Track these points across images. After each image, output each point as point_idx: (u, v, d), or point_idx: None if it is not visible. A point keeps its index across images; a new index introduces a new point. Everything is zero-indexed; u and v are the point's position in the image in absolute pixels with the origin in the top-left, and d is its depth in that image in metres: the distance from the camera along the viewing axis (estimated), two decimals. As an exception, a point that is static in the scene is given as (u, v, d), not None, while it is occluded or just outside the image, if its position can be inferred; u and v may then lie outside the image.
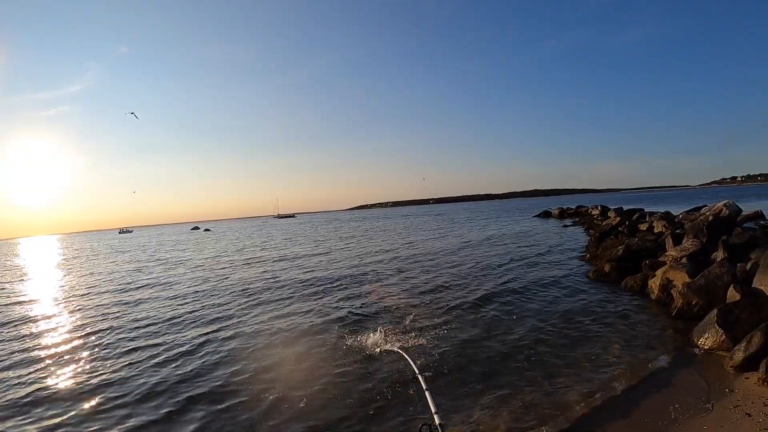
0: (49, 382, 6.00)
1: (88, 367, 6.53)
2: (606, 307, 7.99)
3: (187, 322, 8.93)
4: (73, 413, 4.98)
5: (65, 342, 8.02)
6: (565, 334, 6.67)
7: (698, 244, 9.11)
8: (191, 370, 6.06)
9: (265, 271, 15.81)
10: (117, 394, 5.40)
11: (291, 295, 10.99)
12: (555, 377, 5.14)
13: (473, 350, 6.17)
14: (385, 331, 6.94)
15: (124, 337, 8.02)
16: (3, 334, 8.97)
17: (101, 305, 11.36)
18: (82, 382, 5.90)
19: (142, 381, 5.80)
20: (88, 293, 13.65)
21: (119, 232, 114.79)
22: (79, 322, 9.54)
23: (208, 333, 7.91)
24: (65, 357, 7.13)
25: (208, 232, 67.81)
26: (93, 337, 8.17)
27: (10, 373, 6.43)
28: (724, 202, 12.16)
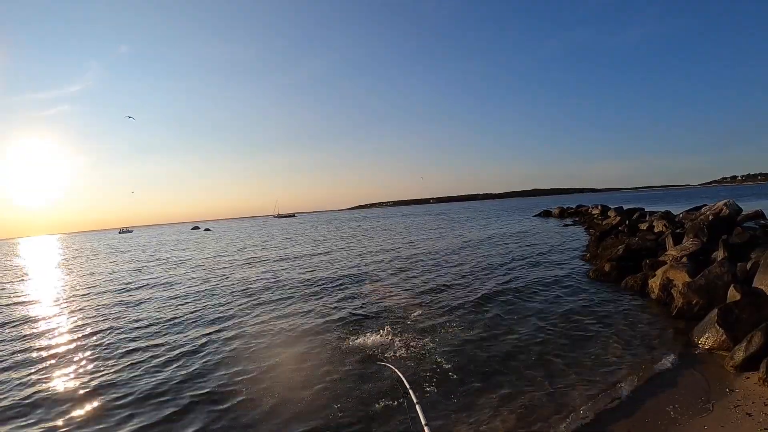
0: (51, 383, 6.01)
1: (89, 367, 6.54)
2: (606, 306, 7.99)
3: (188, 322, 8.93)
4: (74, 414, 4.99)
5: (66, 342, 8.03)
6: (566, 334, 6.68)
7: (698, 243, 9.11)
8: (193, 371, 6.07)
9: (265, 271, 15.82)
10: (119, 395, 5.41)
11: (292, 295, 11.00)
12: (556, 377, 5.16)
13: (475, 350, 6.18)
14: (386, 332, 6.95)
15: (125, 338, 8.03)
16: (4, 334, 8.98)
17: (102, 305, 11.37)
18: (84, 383, 5.91)
19: (144, 382, 5.80)
20: (89, 293, 13.66)
21: (119, 232, 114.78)
22: (80, 323, 9.55)
23: (209, 333, 7.92)
24: (66, 358, 7.13)
25: (209, 232, 67.83)
26: (94, 338, 8.18)
27: (12, 374, 6.44)
28: (725, 201, 12.15)
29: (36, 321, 10.08)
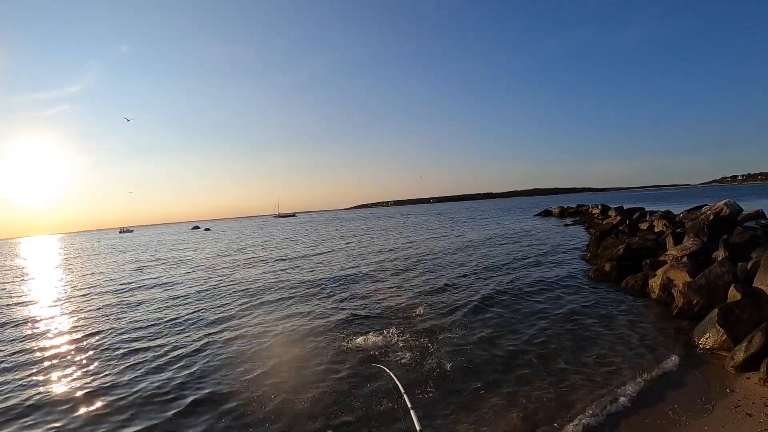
0: (52, 384, 6.03)
1: (91, 368, 6.55)
2: (607, 306, 8.00)
3: (189, 322, 8.94)
4: (76, 416, 4.99)
5: (68, 343, 8.04)
6: (567, 334, 6.69)
7: (699, 243, 9.11)
8: (194, 372, 6.08)
9: (266, 271, 15.83)
10: (121, 396, 5.42)
11: (292, 295, 11.01)
12: (557, 377, 5.16)
13: (476, 351, 6.19)
14: (387, 333, 6.95)
15: (126, 338, 8.04)
16: (4, 335, 8.99)
17: (103, 306, 11.38)
18: (86, 384, 5.92)
19: (146, 383, 5.81)
20: (90, 293, 13.67)
21: (119, 232, 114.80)
22: (81, 323, 9.56)
23: (210, 334, 7.92)
24: (68, 358, 7.15)
25: (209, 232, 67.86)
26: (95, 338, 8.19)
27: (12, 376, 6.44)
28: (725, 201, 12.15)
29: (37, 321, 10.09)
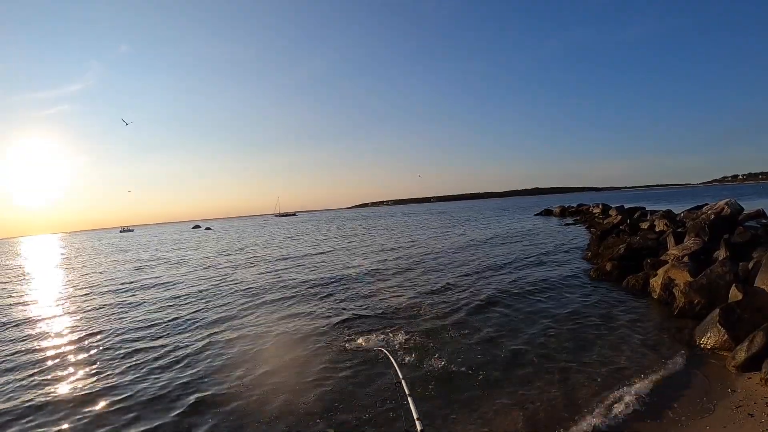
0: (53, 384, 6.03)
1: (93, 369, 6.55)
2: (608, 306, 8.00)
3: (190, 322, 8.95)
4: (79, 417, 5.00)
5: (69, 343, 8.06)
6: (568, 334, 6.69)
7: (700, 242, 9.09)
8: (196, 373, 6.08)
9: (267, 271, 15.84)
10: (122, 398, 5.42)
11: (294, 295, 11.01)
12: (559, 378, 5.16)
13: (478, 351, 6.19)
14: (389, 333, 6.96)
15: (128, 338, 8.05)
16: (5, 335, 9.01)
17: (104, 306, 11.39)
18: (87, 385, 5.93)
19: (148, 384, 5.82)
20: (91, 293, 13.69)
21: (120, 231, 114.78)
22: (82, 323, 9.58)
23: (211, 334, 7.93)
24: (69, 359, 7.16)
25: (210, 231, 67.88)
26: (97, 339, 8.20)
27: (13, 376, 6.45)
28: (726, 200, 12.15)
29: (38, 321, 10.11)
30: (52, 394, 5.64)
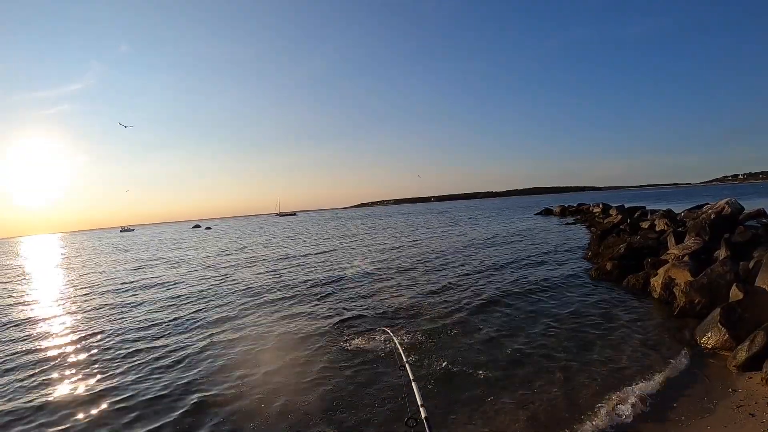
0: (54, 385, 6.03)
1: (93, 369, 6.55)
2: (608, 306, 8.00)
3: (190, 322, 8.95)
4: (79, 418, 5.00)
5: (69, 344, 8.06)
6: (569, 333, 6.69)
7: (700, 242, 9.09)
8: (198, 373, 6.07)
9: (267, 271, 15.83)
10: (123, 398, 5.42)
11: (294, 295, 11.02)
12: (560, 378, 5.16)
13: (480, 351, 6.20)
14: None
15: (128, 339, 8.05)
16: (5, 335, 9.01)
17: (104, 306, 11.39)
18: (88, 385, 5.93)
19: (149, 384, 5.82)
20: (91, 293, 13.69)
21: (120, 231, 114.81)
22: (82, 323, 9.58)
23: (212, 334, 7.93)
24: (70, 359, 7.16)
25: (210, 231, 67.88)
26: (97, 339, 8.20)
27: (13, 377, 6.44)
28: (726, 200, 12.14)
29: (38, 321, 10.11)
30: (52, 395, 5.64)
